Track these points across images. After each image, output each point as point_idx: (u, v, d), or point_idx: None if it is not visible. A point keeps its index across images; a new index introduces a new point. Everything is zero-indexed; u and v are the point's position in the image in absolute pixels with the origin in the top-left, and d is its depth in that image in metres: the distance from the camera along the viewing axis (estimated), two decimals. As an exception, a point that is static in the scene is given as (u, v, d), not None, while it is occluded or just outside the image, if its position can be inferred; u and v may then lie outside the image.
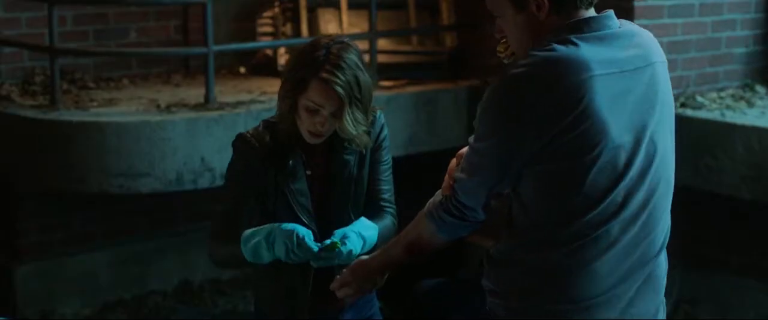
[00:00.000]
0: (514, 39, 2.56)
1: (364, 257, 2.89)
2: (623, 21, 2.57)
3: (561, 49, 2.41)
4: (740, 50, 6.14)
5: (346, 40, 3.10)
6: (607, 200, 2.44)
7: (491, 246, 2.60)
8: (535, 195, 2.47)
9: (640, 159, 2.47)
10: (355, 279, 2.85)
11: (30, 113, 5.50)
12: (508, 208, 2.54)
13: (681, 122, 5.62)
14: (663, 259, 2.62)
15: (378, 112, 3.20)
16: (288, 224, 3.02)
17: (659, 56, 2.58)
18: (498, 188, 2.52)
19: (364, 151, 3.18)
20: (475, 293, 2.72)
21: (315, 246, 3.00)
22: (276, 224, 3.04)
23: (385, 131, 3.22)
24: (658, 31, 5.63)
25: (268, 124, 3.17)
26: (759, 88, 6.07)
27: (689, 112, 5.68)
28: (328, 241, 3.01)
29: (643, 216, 2.50)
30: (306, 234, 3.01)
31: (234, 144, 3.17)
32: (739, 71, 6.17)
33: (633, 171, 2.46)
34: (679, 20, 5.79)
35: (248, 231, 3.07)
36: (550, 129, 2.38)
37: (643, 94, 2.49)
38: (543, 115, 2.38)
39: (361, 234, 3.07)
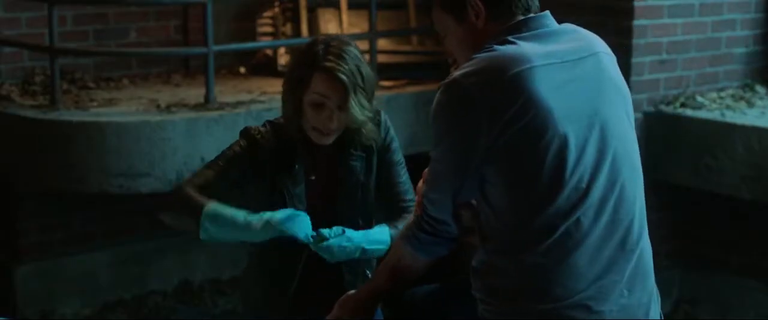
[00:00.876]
0: (459, 53, 2.63)
1: (351, 292, 2.88)
2: (565, 23, 2.63)
3: (500, 48, 2.49)
4: (740, 50, 6.14)
5: (343, 38, 3.12)
6: (569, 187, 2.46)
7: (473, 257, 2.61)
8: (498, 194, 2.49)
9: (594, 143, 2.50)
10: (345, 313, 2.83)
11: (30, 113, 5.50)
12: (479, 217, 2.56)
13: (681, 122, 5.69)
14: (646, 245, 2.63)
15: (382, 113, 3.20)
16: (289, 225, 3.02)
17: (603, 48, 2.63)
18: (462, 195, 2.54)
19: (374, 145, 3.17)
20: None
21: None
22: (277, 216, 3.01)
23: (392, 131, 3.23)
24: (658, 31, 5.65)
25: (272, 125, 3.17)
26: (759, 88, 6.07)
27: (689, 112, 5.68)
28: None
29: (612, 202, 2.52)
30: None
31: (240, 133, 3.17)
32: (739, 71, 6.17)
33: (589, 156, 2.48)
34: (679, 20, 5.79)
35: (238, 210, 3.03)
36: (497, 123, 2.42)
37: (589, 82, 2.53)
38: (488, 111, 2.42)
39: (366, 237, 3.06)
